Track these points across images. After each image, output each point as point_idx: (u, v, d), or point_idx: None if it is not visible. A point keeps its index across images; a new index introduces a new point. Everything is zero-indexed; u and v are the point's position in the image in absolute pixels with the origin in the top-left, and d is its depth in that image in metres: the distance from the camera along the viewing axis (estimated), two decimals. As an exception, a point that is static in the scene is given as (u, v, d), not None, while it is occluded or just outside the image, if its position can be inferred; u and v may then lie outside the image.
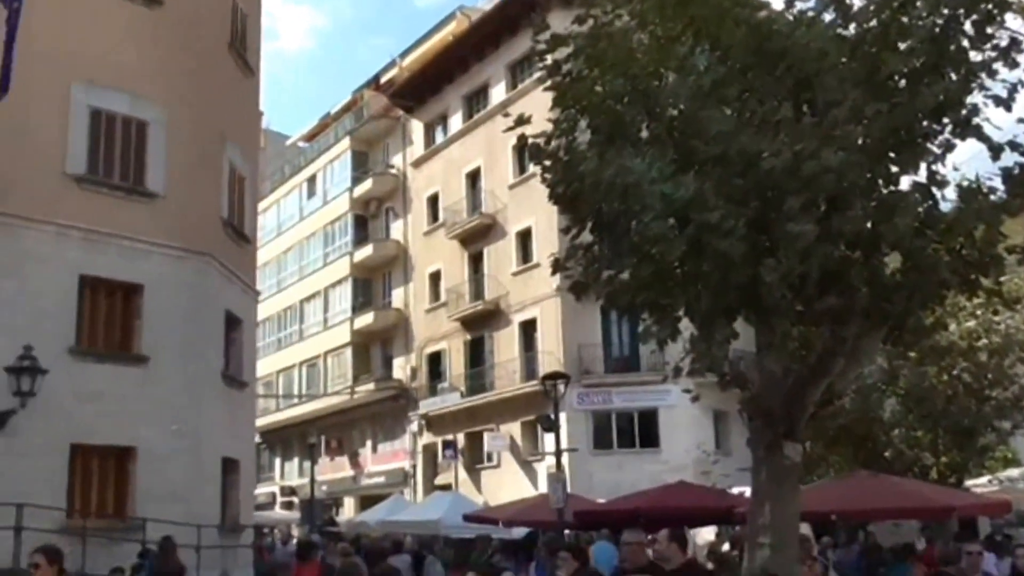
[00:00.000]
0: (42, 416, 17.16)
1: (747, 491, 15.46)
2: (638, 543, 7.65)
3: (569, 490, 19.81)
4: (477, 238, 37.15)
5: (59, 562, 6.25)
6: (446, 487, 35.00)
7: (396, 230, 42.98)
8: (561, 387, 20.50)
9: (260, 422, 33.38)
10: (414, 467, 39.16)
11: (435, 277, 39.56)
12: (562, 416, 22.50)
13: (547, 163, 11.62)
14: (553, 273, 13.14)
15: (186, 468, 19.20)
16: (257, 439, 31.92)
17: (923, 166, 9.96)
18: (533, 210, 32.41)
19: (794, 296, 10.20)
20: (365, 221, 44.79)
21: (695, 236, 9.68)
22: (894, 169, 10.07)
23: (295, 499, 44.05)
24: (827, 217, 9.81)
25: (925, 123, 9.86)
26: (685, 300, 10.88)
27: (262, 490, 42.59)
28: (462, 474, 36.14)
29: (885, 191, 10.12)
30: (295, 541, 24.22)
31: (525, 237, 34.71)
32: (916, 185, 10.08)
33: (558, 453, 20.41)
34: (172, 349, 19.37)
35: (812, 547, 14.92)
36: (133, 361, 19.05)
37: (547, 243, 30.04)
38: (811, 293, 10.27)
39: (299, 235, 49.02)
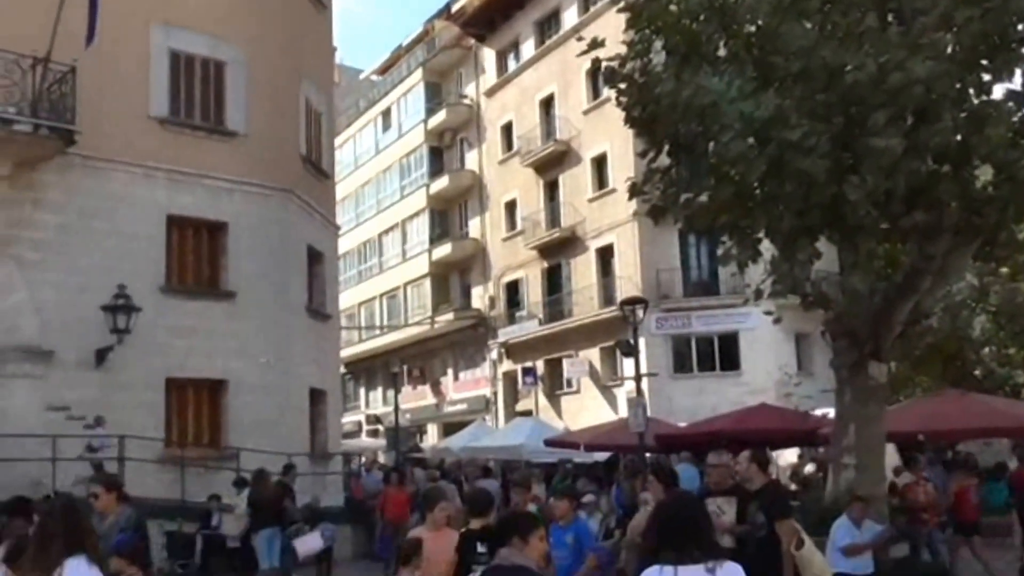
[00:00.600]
0: (138, 352, 17.74)
1: (830, 413, 15.30)
2: (723, 465, 7.59)
3: (649, 414, 19.82)
4: (552, 165, 36.89)
5: (117, 489, 6.35)
6: (527, 413, 35.34)
7: (471, 160, 42.87)
8: (640, 312, 20.34)
9: (344, 353, 33.98)
10: (495, 394, 39.58)
11: (511, 206, 39.48)
12: (641, 341, 22.43)
13: (622, 86, 11.41)
14: (630, 198, 13.00)
15: (276, 399, 19.74)
16: (342, 370, 32.50)
17: (1018, 73, 9.52)
18: (608, 135, 32.00)
19: (879, 213, 9.93)
20: (440, 152, 44.78)
21: (776, 155, 9.45)
22: (986, 77, 9.64)
23: (380, 427, 44.94)
24: (914, 130, 9.48)
25: (1020, 27, 9.39)
26: (766, 221, 10.68)
27: (348, 419, 43.55)
28: (542, 400, 36.43)
29: (976, 101, 9.71)
30: (376, 467, 24.74)
31: (600, 162, 34.35)
32: (1010, 93, 9.65)
33: (638, 378, 20.36)
34: (258, 284, 19.77)
35: (922, 466, 14.71)
36: (221, 297, 19.50)
37: (623, 168, 29.68)
38: (897, 210, 9.99)
39: (376, 169, 49.26)
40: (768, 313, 13.83)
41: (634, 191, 12.10)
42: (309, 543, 13.99)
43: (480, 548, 6.38)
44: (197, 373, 18.94)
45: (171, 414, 18.67)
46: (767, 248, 11.08)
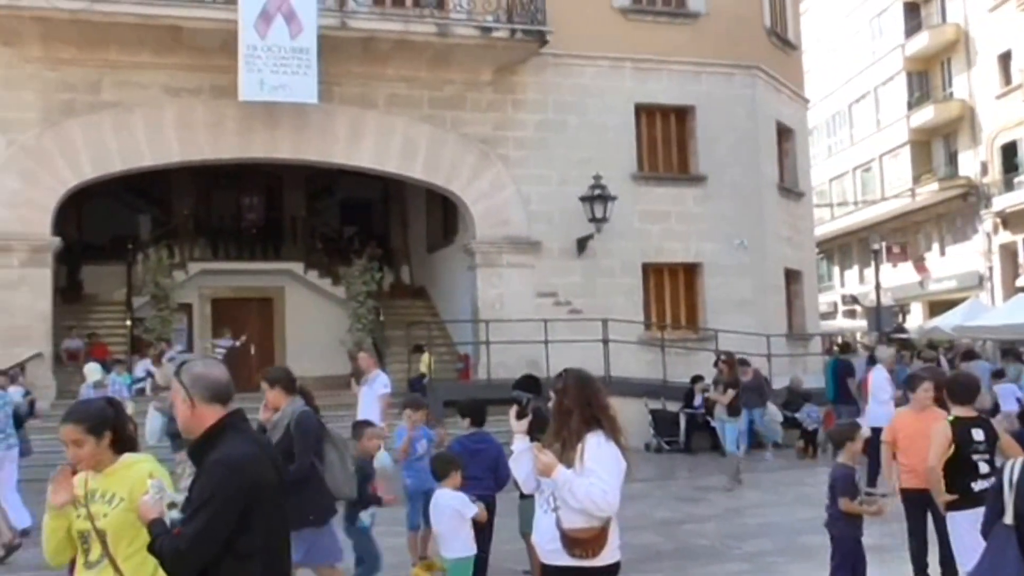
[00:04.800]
0: (615, 239, 18.71)
1: None
2: None
3: None
4: (1056, 5, 32.30)
5: (280, 383, 6.31)
6: (1029, 289, 32.06)
7: (954, 11, 38.79)
8: None
9: (815, 232, 33.02)
10: (990, 269, 36.28)
11: (1004, 58, 35.18)
12: None
13: None
14: None
15: (750, 280, 19.87)
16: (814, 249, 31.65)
17: None
18: None
19: None
20: (916, 7, 41.01)
21: None
22: None
23: (856, 307, 43.37)
24: None
25: None
26: None
27: (822, 299, 42.50)
28: (1050, 274, 32.84)
29: None
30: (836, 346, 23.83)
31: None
32: None
33: None
34: (727, 165, 19.81)
35: None
36: (692, 181, 19.83)
37: None
38: None
39: (842, 34, 46.47)
40: None
41: None
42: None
43: (977, 436, 6.04)
44: (672, 257, 19.58)
45: (649, 297, 19.54)
46: None
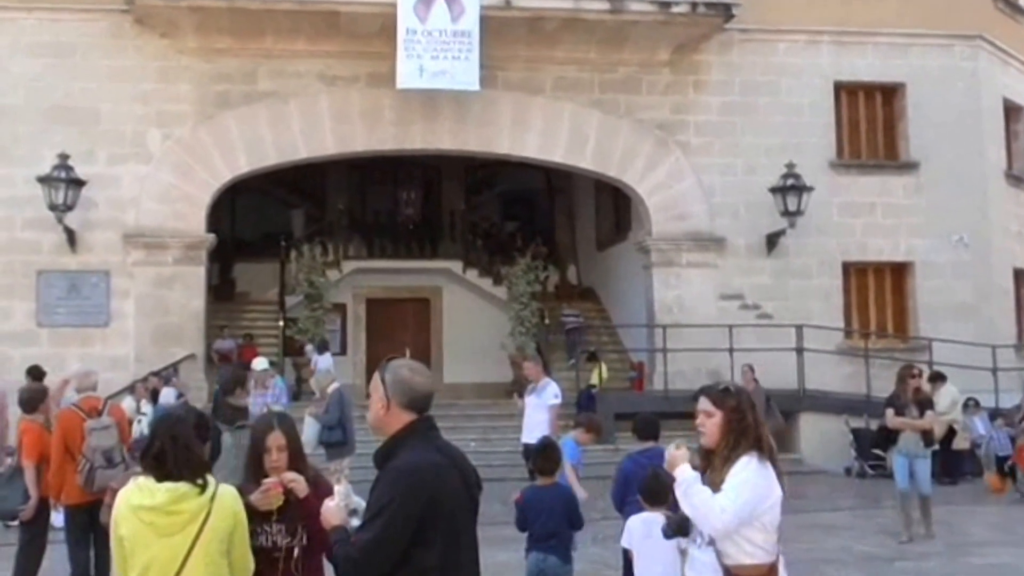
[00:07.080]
0: (811, 235, 17.78)
1: None
2: None
3: None
4: None
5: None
6: None
7: None
8: None
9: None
10: None
11: None
12: None
13: None
14: None
15: (972, 282, 18.57)
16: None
17: None
18: None
19: None
20: None
21: None
22: None
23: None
24: None
25: None
26: None
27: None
28: None
29: None
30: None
31: None
32: None
33: None
34: (944, 150, 18.58)
35: None
36: (901, 168, 18.70)
37: None
38: None
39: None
40: None
41: None
42: None
43: None
44: (877, 255, 18.55)
45: (849, 301, 18.60)
46: None
